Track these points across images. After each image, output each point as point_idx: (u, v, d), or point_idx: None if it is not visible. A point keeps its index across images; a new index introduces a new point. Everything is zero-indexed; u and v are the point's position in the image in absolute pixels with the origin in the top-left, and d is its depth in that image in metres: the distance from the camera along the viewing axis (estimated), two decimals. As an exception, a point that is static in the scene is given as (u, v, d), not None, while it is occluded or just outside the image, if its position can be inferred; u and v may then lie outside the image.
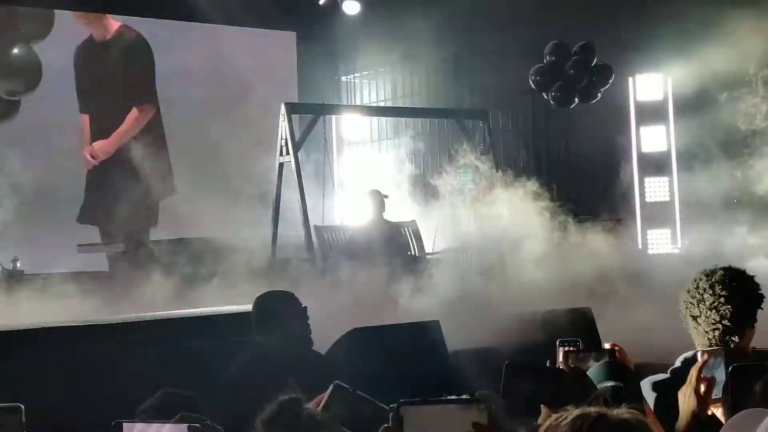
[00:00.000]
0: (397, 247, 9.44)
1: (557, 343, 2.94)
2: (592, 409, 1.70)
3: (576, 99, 11.60)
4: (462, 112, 11.88)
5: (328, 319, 5.46)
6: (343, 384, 2.40)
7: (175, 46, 13.09)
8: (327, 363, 4.71)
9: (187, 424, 1.93)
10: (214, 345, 5.06)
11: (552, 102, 11.77)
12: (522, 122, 13.08)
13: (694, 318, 3.31)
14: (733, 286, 3.30)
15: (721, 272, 3.34)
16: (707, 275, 3.34)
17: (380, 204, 9.67)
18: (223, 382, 4.20)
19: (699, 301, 3.30)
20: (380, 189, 10.16)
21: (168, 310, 6.77)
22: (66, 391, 4.38)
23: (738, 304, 3.27)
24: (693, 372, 2.63)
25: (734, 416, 2.33)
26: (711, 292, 3.29)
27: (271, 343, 4.46)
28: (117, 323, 5.48)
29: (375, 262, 8.41)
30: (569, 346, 2.88)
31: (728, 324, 3.26)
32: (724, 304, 3.26)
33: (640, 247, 11.52)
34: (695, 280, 3.36)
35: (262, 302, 4.73)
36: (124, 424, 1.96)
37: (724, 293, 3.27)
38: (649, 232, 11.84)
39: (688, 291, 3.36)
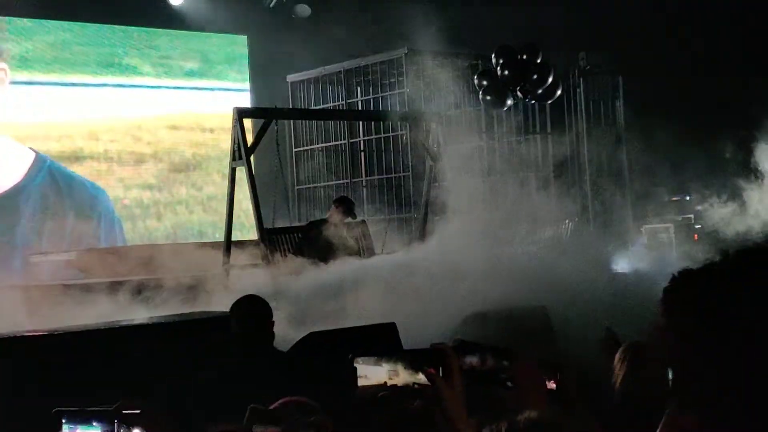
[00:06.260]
0: (346, 249, 9.33)
1: None
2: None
3: (508, 101, 11.46)
4: (413, 115, 11.81)
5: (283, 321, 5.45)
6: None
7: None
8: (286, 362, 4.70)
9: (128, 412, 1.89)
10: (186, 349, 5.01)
11: (484, 104, 11.75)
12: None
13: None
14: None
15: None
16: None
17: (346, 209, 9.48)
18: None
19: None
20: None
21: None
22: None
23: None
24: None
25: None
26: None
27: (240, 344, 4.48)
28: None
29: (325, 263, 8.42)
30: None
31: None
32: None
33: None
34: None
35: (236, 308, 4.70)
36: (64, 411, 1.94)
37: None
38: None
39: None
